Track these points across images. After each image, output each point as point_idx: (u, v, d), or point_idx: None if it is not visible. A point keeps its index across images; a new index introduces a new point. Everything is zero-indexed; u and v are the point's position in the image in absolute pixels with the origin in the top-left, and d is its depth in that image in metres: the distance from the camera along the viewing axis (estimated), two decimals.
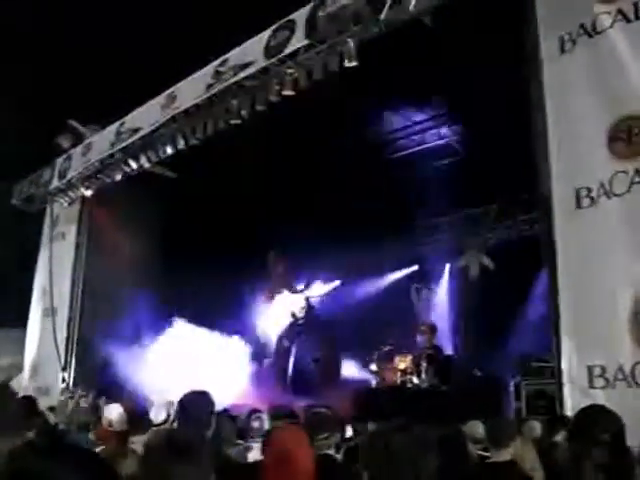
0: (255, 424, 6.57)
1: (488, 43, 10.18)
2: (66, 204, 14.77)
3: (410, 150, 15.88)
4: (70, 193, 14.37)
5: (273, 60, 9.65)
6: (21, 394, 11.84)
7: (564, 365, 7.23)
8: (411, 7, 8.25)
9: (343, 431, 6.90)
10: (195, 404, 4.18)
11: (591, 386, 6.89)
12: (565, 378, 7.20)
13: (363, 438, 5.41)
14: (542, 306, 8.31)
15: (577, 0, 7.66)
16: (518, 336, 12.77)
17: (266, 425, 6.44)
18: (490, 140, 12.07)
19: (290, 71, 9.70)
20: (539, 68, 7.88)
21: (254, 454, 5.49)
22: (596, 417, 3.44)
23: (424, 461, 2.37)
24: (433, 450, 2.44)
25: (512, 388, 10.70)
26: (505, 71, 9.99)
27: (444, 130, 15.36)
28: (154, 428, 6.21)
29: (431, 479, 2.37)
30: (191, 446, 2.27)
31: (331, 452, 4.28)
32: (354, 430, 7.45)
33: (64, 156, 14.40)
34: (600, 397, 6.56)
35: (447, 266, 16.56)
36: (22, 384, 14.83)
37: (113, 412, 6.73)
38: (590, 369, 6.91)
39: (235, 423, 6.47)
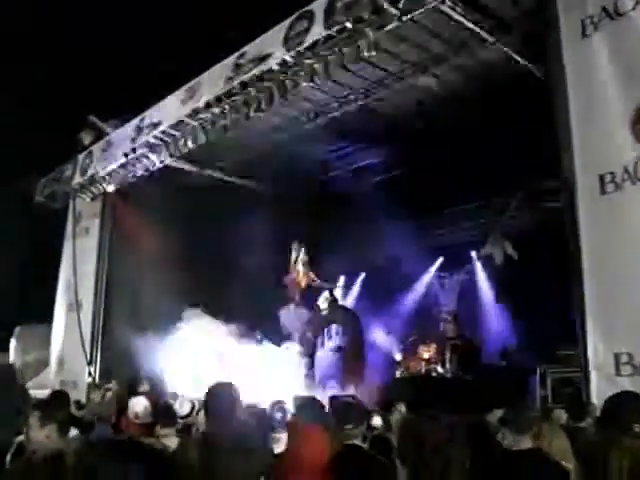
0: (278, 415, 6.58)
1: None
2: (89, 200, 14.87)
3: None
4: (92, 189, 14.47)
5: (292, 52, 9.62)
6: (49, 388, 12.02)
7: (590, 352, 7.19)
8: None
9: (369, 421, 6.90)
10: (221, 396, 4.20)
11: (618, 373, 6.84)
12: (591, 365, 7.15)
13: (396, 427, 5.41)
14: (567, 294, 8.24)
15: None
16: (543, 324, 12.66)
17: (289, 416, 6.46)
18: (512, 127, 11.94)
19: (309, 62, 9.66)
20: (560, 53, 7.80)
21: (280, 445, 5.50)
22: (626, 405, 3.40)
23: (455, 450, 2.37)
24: (463, 440, 2.44)
25: (537, 376, 10.62)
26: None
27: None
28: (180, 420, 6.25)
29: (461, 468, 2.37)
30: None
31: (358, 442, 4.28)
32: (383, 420, 7.43)
33: (85, 152, 14.49)
34: (627, 385, 6.49)
35: (471, 255, 16.45)
36: (49, 379, 15.02)
37: (138, 405, 6.76)
38: (617, 356, 6.86)
39: (266, 415, 6.50)
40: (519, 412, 4.38)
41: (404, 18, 8.64)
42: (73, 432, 5.18)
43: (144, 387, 11.24)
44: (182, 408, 6.71)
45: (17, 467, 3.75)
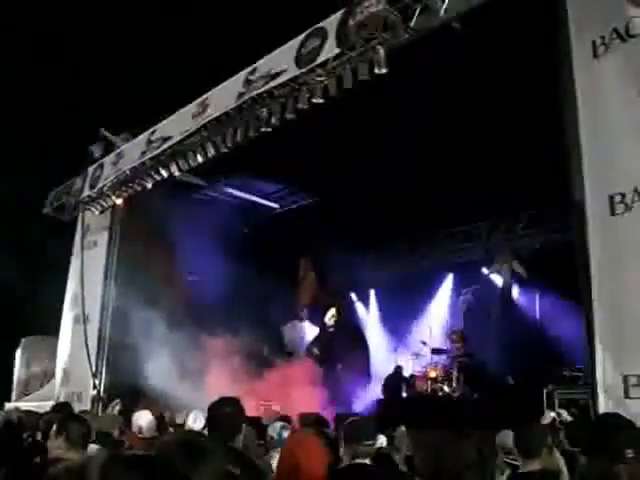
0: (284, 433, 6.52)
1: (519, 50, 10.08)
2: (97, 212, 14.88)
3: None
4: (101, 201, 14.47)
5: (304, 69, 9.63)
6: (53, 400, 11.99)
7: (598, 374, 7.10)
8: (441, 13, 8.22)
9: (376, 439, 6.83)
10: (225, 411, 4.14)
11: (627, 396, 6.75)
12: (599, 387, 7.07)
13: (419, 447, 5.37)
14: (576, 314, 8.18)
15: (609, 3, 7.55)
16: (551, 344, 12.60)
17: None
18: (521, 145, 11.96)
19: (320, 79, 9.67)
20: (571, 74, 7.79)
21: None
22: (615, 429, 3.34)
23: (474, 473, 2.33)
24: (490, 461, 2.41)
25: (545, 397, 10.54)
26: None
27: None
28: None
29: None
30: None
31: (365, 461, 4.21)
32: (388, 438, 7.37)
33: (95, 165, 14.54)
34: (636, 407, 6.42)
35: (478, 273, 16.41)
36: (54, 391, 15.00)
37: (143, 418, 6.72)
38: (626, 378, 6.78)
39: (266, 431, 6.44)
40: (528, 434, 4.34)
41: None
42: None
43: (148, 401, 11.20)
44: (195, 423, 6.62)
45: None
